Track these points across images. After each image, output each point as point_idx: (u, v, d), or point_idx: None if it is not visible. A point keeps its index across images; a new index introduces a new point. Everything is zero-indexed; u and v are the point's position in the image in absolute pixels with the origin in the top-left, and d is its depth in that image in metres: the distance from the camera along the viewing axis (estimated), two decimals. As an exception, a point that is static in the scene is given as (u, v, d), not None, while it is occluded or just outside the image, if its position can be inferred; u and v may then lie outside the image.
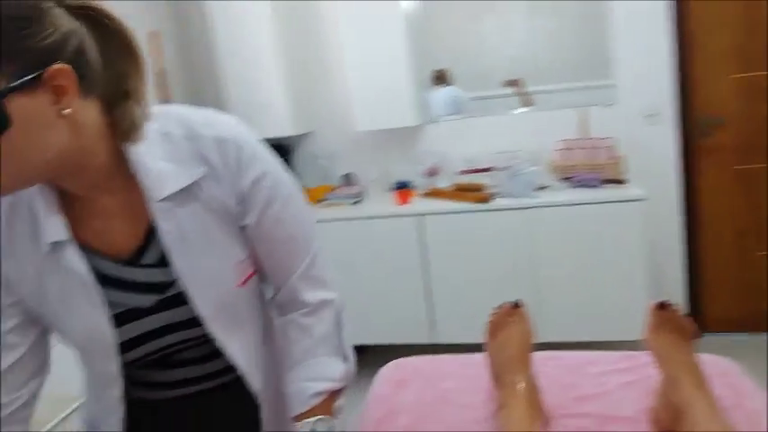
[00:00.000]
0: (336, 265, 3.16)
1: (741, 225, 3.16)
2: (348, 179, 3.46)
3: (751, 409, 1.21)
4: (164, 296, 0.92)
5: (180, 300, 0.92)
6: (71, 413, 1.75)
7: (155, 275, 0.92)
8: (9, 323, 0.90)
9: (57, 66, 0.70)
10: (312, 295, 1.00)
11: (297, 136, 3.43)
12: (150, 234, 0.91)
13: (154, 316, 0.93)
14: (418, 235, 2.95)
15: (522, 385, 1.17)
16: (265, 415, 1.04)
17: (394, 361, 1.60)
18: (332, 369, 1.00)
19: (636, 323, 1.21)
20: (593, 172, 2.96)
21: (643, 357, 1.43)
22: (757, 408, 1.21)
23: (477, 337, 1.37)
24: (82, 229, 0.89)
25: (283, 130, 3.23)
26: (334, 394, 1.00)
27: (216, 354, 0.99)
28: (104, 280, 0.90)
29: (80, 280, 0.88)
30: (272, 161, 0.95)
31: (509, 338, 1.28)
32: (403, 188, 3.14)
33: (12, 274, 0.89)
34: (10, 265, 0.88)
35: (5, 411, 0.88)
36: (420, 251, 2.96)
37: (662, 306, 1.19)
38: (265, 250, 0.97)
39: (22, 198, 0.87)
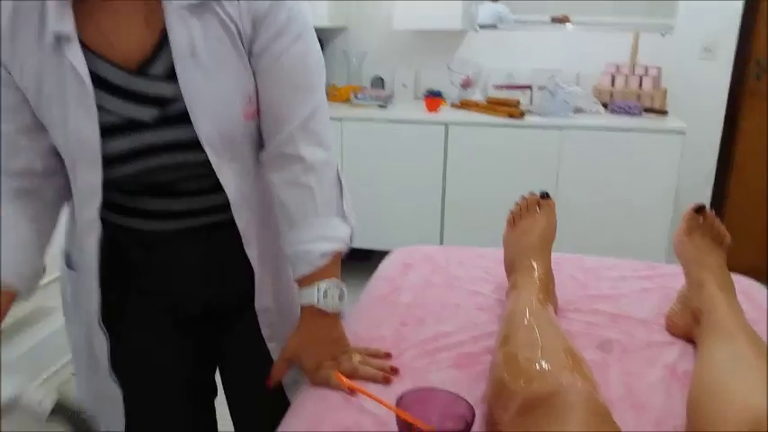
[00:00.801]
0: (355, 167, 3.09)
1: (777, 176, 3.03)
2: (378, 82, 3.35)
3: (772, 326, 1.15)
4: (165, 112, 0.87)
5: (182, 118, 0.86)
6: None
7: (159, 88, 0.86)
8: (16, 122, 0.86)
9: None
10: (310, 152, 0.93)
11: (330, 30, 3.30)
12: (161, 44, 0.85)
13: (152, 131, 0.87)
14: (443, 145, 2.86)
15: (537, 269, 1.12)
16: (258, 275, 1.00)
17: (404, 247, 1.56)
18: (338, 229, 0.95)
19: (654, 255, 1.14)
20: (635, 99, 2.82)
21: (664, 268, 1.38)
22: (779, 327, 1.15)
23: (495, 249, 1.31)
24: (91, 30, 0.84)
25: (318, 20, 3.09)
26: (338, 257, 0.96)
27: (210, 189, 0.94)
28: (104, 85, 0.85)
29: (77, 80, 0.82)
30: None
31: (531, 227, 1.22)
32: (434, 96, 3.03)
33: (14, 67, 0.83)
34: (13, 56, 0.83)
35: None
36: (443, 161, 2.88)
37: (699, 210, 1.12)
38: (266, 88, 0.91)
39: None
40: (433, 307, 1.21)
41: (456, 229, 2.94)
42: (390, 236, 3.02)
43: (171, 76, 0.85)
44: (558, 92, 2.80)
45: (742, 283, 1.32)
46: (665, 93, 2.89)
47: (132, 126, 0.86)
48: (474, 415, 0.79)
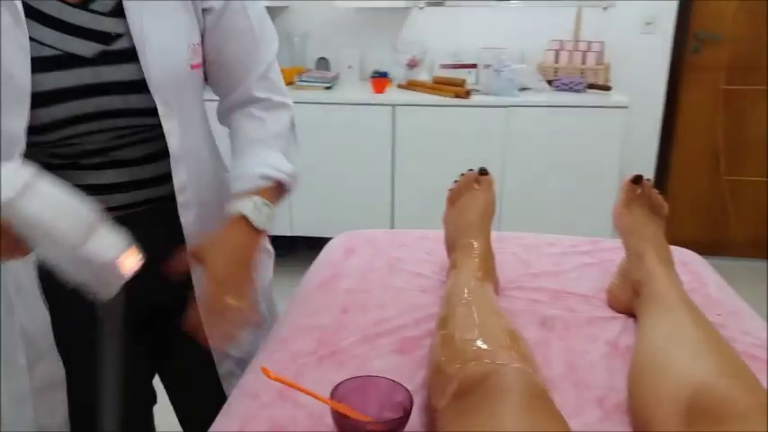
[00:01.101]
0: (303, 150, 3.04)
1: (715, 146, 3.10)
2: (323, 63, 3.28)
3: (711, 295, 1.16)
4: (109, 47, 0.83)
5: (126, 56, 0.84)
6: None
7: (103, 23, 0.82)
8: None
9: None
10: (267, 95, 0.98)
11: (271, 9, 3.20)
12: None
13: (92, 68, 0.82)
14: (391, 126, 2.83)
15: (477, 246, 1.09)
16: (188, 227, 0.95)
17: (347, 232, 1.52)
18: (283, 163, 0.95)
19: (601, 230, 1.14)
20: (578, 76, 2.84)
21: (606, 243, 1.37)
22: (717, 296, 1.16)
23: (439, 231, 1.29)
24: None
25: None
26: (279, 191, 0.94)
27: (148, 156, 0.91)
28: (41, 17, 0.79)
29: (8, 7, 0.76)
30: None
31: (470, 204, 1.20)
32: (380, 77, 2.98)
33: None
34: None
35: None
36: (391, 143, 2.85)
37: (636, 180, 1.11)
38: (226, 40, 0.93)
39: None
40: (375, 291, 1.17)
41: (407, 212, 2.91)
42: (340, 221, 2.95)
43: (116, 14, 0.83)
44: (503, 70, 2.78)
45: (681, 253, 1.33)
46: (608, 68, 2.91)
47: (70, 61, 0.81)
48: (412, 402, 0.76)
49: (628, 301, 1.06)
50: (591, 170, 2.67)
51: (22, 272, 0.88)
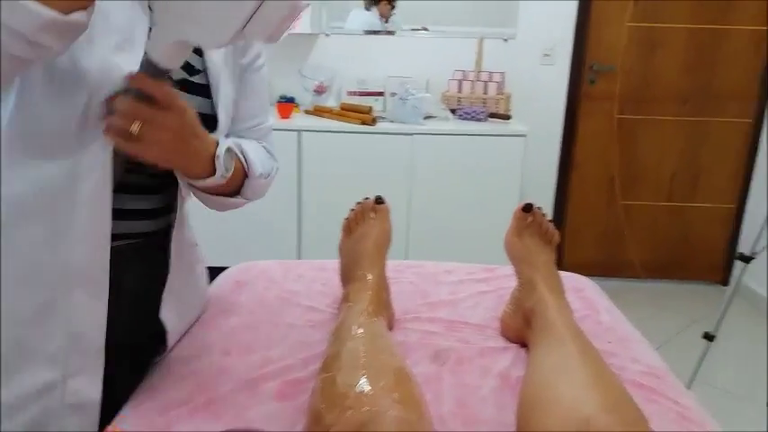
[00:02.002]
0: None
1: (611, 173, 3.24)
2: (227, 88, 3.18)
3: (602, 322, 1.16)
4: (190, 78, 0.87)
5: (204, 90, 0.89)
6: None
7: None
8: None
9: None
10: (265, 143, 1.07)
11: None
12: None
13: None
14: (297, 152, 2.77)
15: (370, 278, 1.05)
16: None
17: (241, 264, 1.44)
18: (261, 163, 0.98)
19: (504, 257, 1.13)
20: (480, 105, 2.90)
21: (501, 270, 1.37)
22: (608, 322, 1.17)
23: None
24: None
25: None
26: (242, 172, 0.93)
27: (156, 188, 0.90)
28: None
29: None
30: None
31: (365, 234, 1.16)
32: (287, 102, 2.93)
33: None
34: None
35: None
36: (297, 169, 2.79)
37: (527, 208, 1.11)
38: (243, 97, 0.99)
39: None
40: (263, 329, 1.10)
41: (314, 241, 2.85)
42: (245, 251, 2.86)
43: (196, 50, 0.86)
44: (408, 98, 2.80)
45: (575, 279, 1.34)
46: (508, 98, 2.99)
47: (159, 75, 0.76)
48: (285, 455, 0.70)
49: (520, 329, 1.05)
50: (493, 197, 2.72)
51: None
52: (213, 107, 0.89)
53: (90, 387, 0.80)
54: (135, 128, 0.69)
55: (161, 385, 0.92)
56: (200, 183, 0.85)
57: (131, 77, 0.69)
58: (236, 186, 0.95)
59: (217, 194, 0.93)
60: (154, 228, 0.92)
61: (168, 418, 0.84)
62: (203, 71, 0.89)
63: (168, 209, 0.94)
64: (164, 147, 0.73)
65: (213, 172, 0.84)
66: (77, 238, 0.76)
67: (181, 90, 0.85)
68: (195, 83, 0.88)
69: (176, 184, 0.89)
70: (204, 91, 0.89)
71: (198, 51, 0.88)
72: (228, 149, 0.87)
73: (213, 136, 0.85)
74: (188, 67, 0.87)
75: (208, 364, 0.98)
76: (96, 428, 0.82)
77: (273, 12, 0.60)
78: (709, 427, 0.86)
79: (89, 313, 0.79)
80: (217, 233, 2.89)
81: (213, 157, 0.83)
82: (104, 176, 0.76)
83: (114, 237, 0.81)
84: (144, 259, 0.91)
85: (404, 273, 1.35)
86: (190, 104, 0.78)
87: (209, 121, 0.87)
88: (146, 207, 0.90)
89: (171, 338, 0.96)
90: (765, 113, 3.12)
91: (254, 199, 1.01)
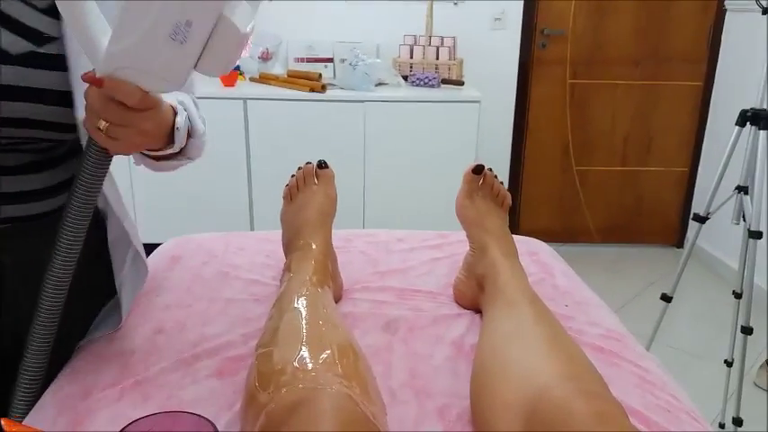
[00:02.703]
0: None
1: (565, 138, 3.23)
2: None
3: (559, 286, 1.12)
4: (39, 49, 0.73)
5: (57, 62, 0.73)
6: None
7: (38, 21, 0.73)
8: None
9: None
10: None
11: None
12: None
13: (18, 68, 0.71)
14: (244, 121, 2.66)
15: (314, 247, 0.98)
16: None
17: (175, 238, 1.34)
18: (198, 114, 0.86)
19: (458, 224, 1.08)
20: (433, 71, 2.83)
21: (455, 236, 1.31)
22: (564, 286, 1.13)
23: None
24: None
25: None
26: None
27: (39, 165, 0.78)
28: None
29: None
30: None
31: (308, 201, 1.08)
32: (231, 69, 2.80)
33: None
34: None
35: None
36: (245, 139, 2.68)
37: (477, 170, 1.05)
38: None
39: None
40: (199, 306, 1.02)
41: (267, 213, 2.75)
42: (194, 227, 2.75)
43: (51, 13, 0.73)
44: (358, 65, 2.71)
45: (529, 243, 1.30)
46: (461, 63, 2.93)
47: None
48: (218, 440, 0.63)
49: (473, 295, 1.00)
50: (447, 164, 2.66)
51: None
52: (68, 82, 0.74)
53: None
54: (102, 125, 0.62)
55: (84, 368, 0.83)
56: (156, 153, 0.77)
57: (94, 79, 0.60)
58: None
59: (164, 159, 0.83)
60: (52, 207, 0.82)
61: (91, 401, 0.76)
62: (59, 38, 0.74)
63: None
64: (135, 145, 0.67)
65: (171, 142, 0.76)
66: None
67: (22, 66, 0.72)
68: (44, 54, 0.73)
69: (76, 156, 0.80)
70: (58, 63, 0.74)
71: (53, 13, 0.74)
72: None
73: (169, 102, 0.73)
74: (35, 36, 0.73)
75: (137, 343, 0.90)
76: None
77: (221, 48, 0.59)
78: (671, 390, 0.82)
79: None
80: (163, 208, 2.78)
81: (173, 129, 0.75)
82: None
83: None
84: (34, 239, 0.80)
85: (353, 242, 1.29)
86: (38, 82, 0.72)
87: (63, 99, 0.74)
88: (35, 187, 0.80)
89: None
90: (715, 76, 3.15)
91: (196, 158, 0.91)
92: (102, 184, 0.68)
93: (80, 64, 0.73)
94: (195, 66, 0.60)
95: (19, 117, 0.72)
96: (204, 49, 0.59)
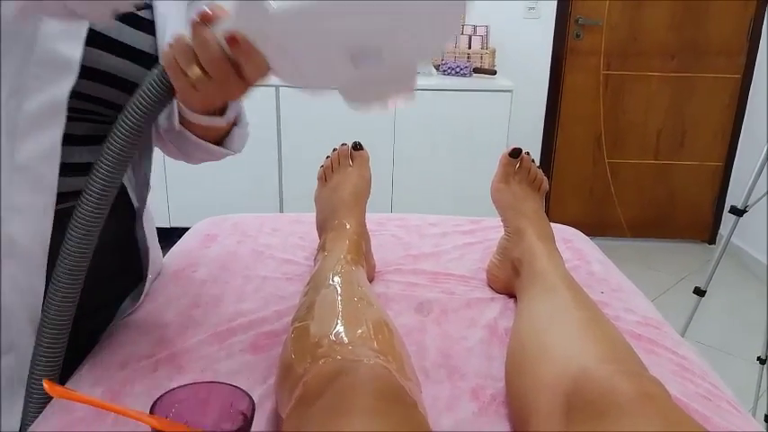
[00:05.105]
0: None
1: (598, 130, 3.18)
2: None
3: (594, 273, 1.11)
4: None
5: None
6: None
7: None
8: None
9: None
10: None
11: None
12: None
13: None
14: (276, 109, 2.67)
15: (348, 227, 0.98)
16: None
17: (212, 217, 1.36)
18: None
19: (490, 213, 1.07)
20: (464, 60, 2.80)
21: (487, 222, 1.30)
22: (600, 273, 1.12)
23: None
24: None
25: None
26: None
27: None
28: None
29: None
30: None
31: (342, 182, 1.08)
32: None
33: None
34: None
35: None
36: (276, 124, 2.70)
37: (514, 153, 1.04)
38: None
39: None
40: (235, 282, 1.03)
41: (296, 197, 2.78)
42: (227, 211, 2.79)
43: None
44: (390, 52, 2.70)
45: (564, 231, 1.29)
46: (493, 52, 2.90)
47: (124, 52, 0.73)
48: (254, 410, 0.63)
49: (507, 279, 0.99)
50: (478, 154, 2.65)
51: None
52: (156, 48, 0.77)
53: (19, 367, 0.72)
54: (195, 72, 0.55)
55: (121, 340, 0.84)
56: (205, 120, 0.76)
57: (231, 37, 0.52)
58: (218, 136, 0.85)
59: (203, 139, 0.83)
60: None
61: (127, 372, 0.77)
62: (150, 6, 0.77)
63: None
64: (210, 104, 0.68)
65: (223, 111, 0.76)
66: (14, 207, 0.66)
67: (122, 23, 0.74)
68: (140, 17, 0.77)
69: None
70: (149, 27, 0.78)
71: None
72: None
73: None
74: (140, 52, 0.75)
75: (174, 316, 0.91)
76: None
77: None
78: (710, 379, 0.81)
79: (20, 289, 0.70)
80: (196, 193, 2.81)
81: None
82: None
83: (61, 197, 0.71)
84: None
85: (386, 225, 1.29)
86: (132, 40, 0.74)
87: (147, 61, 0.76)
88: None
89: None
90: (754, 69, 3.07)
91: (237, 151, 0.90)
92: (143, 133, 0.62)
93: (167, 34, 0.76)
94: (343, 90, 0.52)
95: (113, 73, 0.73)
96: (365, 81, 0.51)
